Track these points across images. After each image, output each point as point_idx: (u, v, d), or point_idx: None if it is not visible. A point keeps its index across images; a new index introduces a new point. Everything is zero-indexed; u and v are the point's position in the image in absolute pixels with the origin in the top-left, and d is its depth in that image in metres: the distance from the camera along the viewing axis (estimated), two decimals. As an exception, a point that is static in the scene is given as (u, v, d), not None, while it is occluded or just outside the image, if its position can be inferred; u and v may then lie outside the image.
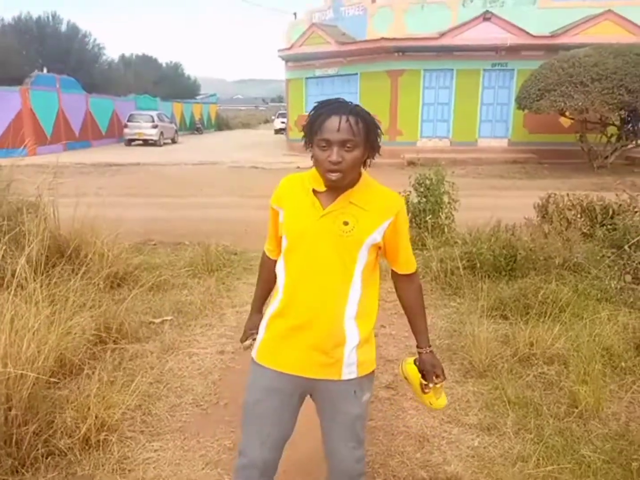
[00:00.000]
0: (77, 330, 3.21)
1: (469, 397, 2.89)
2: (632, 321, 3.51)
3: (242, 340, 1.88)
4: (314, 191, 1.54)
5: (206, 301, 4.17)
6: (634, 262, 4.23)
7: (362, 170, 1.56)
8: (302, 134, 1.53)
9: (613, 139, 14.07)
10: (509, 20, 16.01)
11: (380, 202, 1.55)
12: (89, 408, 2.43)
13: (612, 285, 4.03)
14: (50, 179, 5.32)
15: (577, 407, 2.68)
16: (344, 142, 1.43)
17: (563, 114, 13.88)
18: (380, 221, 1.53)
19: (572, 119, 14.20)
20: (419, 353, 1.71)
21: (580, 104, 12.38)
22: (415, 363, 1.74)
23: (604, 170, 13.76)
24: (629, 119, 13.54)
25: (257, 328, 1.70)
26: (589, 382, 2.75)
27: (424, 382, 1.71)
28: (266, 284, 1.81)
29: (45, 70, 20.28)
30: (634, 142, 13.99)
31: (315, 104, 1.52)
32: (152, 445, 2.50)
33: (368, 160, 1.54)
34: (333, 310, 1.53)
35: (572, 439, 2.48)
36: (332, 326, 1.53)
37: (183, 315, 3.98)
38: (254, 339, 1.70)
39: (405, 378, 1.80)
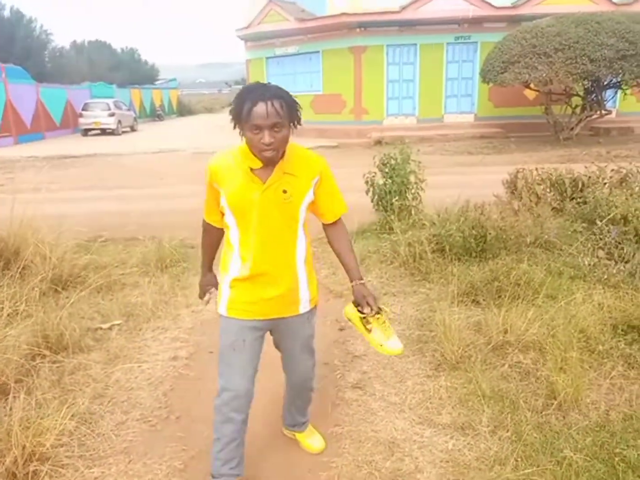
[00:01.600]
0: (10, 344, 2.88)
1: (441, 393, 2.68)
2: (606, 300, 3.36)
3: (201, 297, 2.20)
4: (251, 169, 1.76)
5: (159, 302, 3.86)
6: (606, 237, 4.09)
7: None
8: (231, 118, 1.71)
9: (578, 110, 14.10)
10: (470, -8, 15.77)
11: (306, 167, 1.82)
12: (14, 437, 2.12)
13: (586, 262, 3.89)
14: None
15: (555, 399, 2.50)
16: (273, 125, 1.64)
17: (528, 86, 13.82)
18: (310, 183, 1.82)
19: (537, 90, 14.16)
20: (352, 287, 1.91)
21: (544, 75, 12.30)
22: (355, 305, 1.86)
23: (570, 142, 13.81)
24: (593, 89, 13.56)
25: (213, 285, 2.15)
26: (566, 371, 2.58)
27: (362, 315, 1.82)
28: (213, 249, 2.10)
29: (-11, 59, 19.11)
30: (598, 113, 14.04)
31: (239, 92, 1.70)
32: (92, 472, 2.22)
33: (292, 130, 1.74)
34: (288, 262, 1.87)
35: (552, 435, 2.30)
36: (290, 275, 1.88)
37: (134, 318, 3.65)
38: (212, 295, 2.00)
39: (349, 320, 1.93)
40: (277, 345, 2.10)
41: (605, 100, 14.00)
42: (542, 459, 2.17)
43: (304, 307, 1.96)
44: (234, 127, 1.72)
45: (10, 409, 2.37)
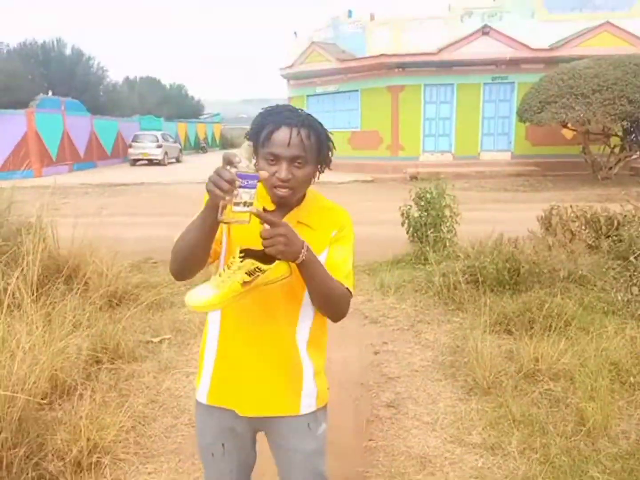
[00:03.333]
0: (73, 350, 3.17)
1: (472, 415, 2.80)
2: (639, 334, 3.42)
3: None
4: (264, 209, 1.35)
5: (205, 319, 4.11)
6: (640, 273, 4.15)
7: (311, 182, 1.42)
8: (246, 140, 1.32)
9: (617, 150, 14.03)
10: (507, 34, 16.12)
11: (327, 219, 1.42)
12: (80, 430, 2.37)
13: (619, 297, 3.95)
14: (52, 199, 5.33)
15: (584, 425, 2.59)
16: (294, 158, 1.28)
17: (565, 126, 13.88)
18: (327, 239, 1.39)
19: (574, 130, 14.19)
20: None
21: (581, 115, 12.37)
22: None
23: (609, 181, 13.69)
24: (632, 129, 13.51)
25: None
26: (596, 399, 2.66)
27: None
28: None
29: (50, 94, 20.55)
30: (638, 153, 13.93)
31: (262, 110, 1.35)
32: (146, 468, 2.43)
33: (317, 174, 1.39)
34: (284, 335, 1.38)
35: (580, 459, 2.39)
36: (285, 353, 1.39)
37: (182, 333, 3.92)
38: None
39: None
40: (272, 453, 1.54)
41: (646, 141, 13.90)
42: (570, 480, 2.26)
43: (307, 405, 1.43)
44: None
45: (77, 405, 2.63)
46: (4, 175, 11.65)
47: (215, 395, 1.43)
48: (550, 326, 3.45)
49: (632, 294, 4.01)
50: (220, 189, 1.10)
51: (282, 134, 1.27)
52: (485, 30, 16.20)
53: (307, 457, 1.46)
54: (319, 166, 1.37)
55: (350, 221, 1.45)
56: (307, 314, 1.40)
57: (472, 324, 3.85)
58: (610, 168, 14.00)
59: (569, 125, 13.62)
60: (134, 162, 22.76)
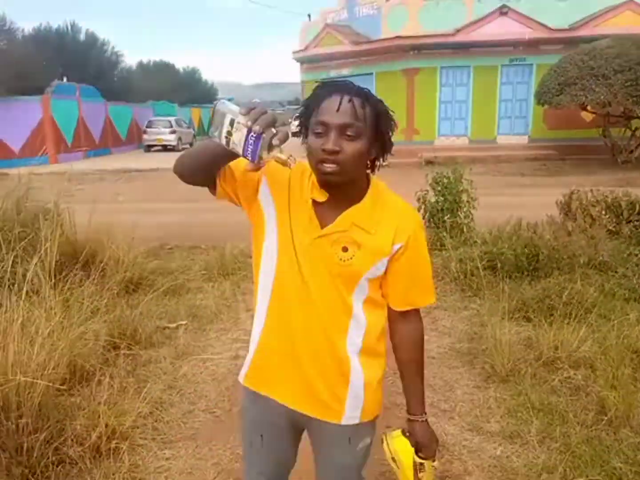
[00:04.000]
0: (90, 336, 3.19)
1: (490, 403, 2.78)
2: (662, 322, 3.34)
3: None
4: (313, 202, 1.22)
5: (221, 305, 4.13)
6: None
7: (372, 175, 1.27)
8: (298, 124, 1.22)
9: (638, 133, 13.68)
10: (526, 14, 15.72)
11: (391, 224, 1.22)
12: (99, 416, 2.39)
13: (640, 284, 3.86)
14: (68, 185, 5.36)
15: (605, 415, 2.54)
16: (344, 126, 1.12)
17: (584, 109, 13.56)
18: (388, 249, 1.22)
19: (594, 113, 13.86)
20: (412, 421, 1.33)
21: (602, 97, 12.06)
22: (404, 435, 1.34)
23: (629, 165, 13.39)
24: (654, 111, 13.14)
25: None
26: (618, 388, 2.61)
27: (419, 460, 1.31)
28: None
29: (65, 80, 20.63)
30: (659, 136, 13.58)
31: (317, 84, 1.23)
32: (164, 453, 2.45)
33: (377, 162, 1.23)
34: (332, 340, 1.25)
35: (601, 449, 2.35)
36: (332, 359, 1.26)
37: (198, 319, 3.94)
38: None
39: (392, 459, 1.37)
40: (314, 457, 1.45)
41: (668, 123, 13.53)
42: (592, 470, 2.22)
43: (349, 417, 1.30)
44: (299, 133, 1.23)
45: (95, 391, 2.66)
46: (21, 162, 11.77)
47: (252, 377, 1.36)
48: (570, 313, 3.38)
49: (654, 280, 3.92)
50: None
51: (332, 101, 1.13)
52: (503, 11, 15.81)
53: (341, 470, 1.38)
54: (379, 150, 1.21)
55: (420, 224, 1.28)
56: (359, 323, 1.27)
57: (490, 310, 3.80)
58: (632, 151, 13.68)
59: (589, 107, 13.29)
60: (149, 148, 22.82)
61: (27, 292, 2.80)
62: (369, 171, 1.25)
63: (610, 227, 5.23)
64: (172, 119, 23.11)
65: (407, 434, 1.33)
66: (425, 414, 1.34)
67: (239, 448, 2.49)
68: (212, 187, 1.28)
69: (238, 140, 1.04)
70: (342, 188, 1.19)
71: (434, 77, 16.91)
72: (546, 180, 11.80)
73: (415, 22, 16.71)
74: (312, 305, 1.23)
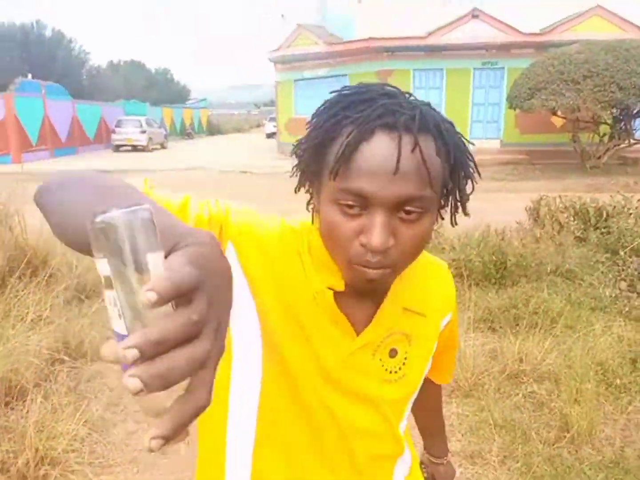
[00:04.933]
0: (31, 348, 2.97)
1: (452, 420, 2.66)
2: (627, 333, 3.29)
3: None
4: (331, 289, 0.71)
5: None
6: (629, 268, 4.02)
7: None
8: (297, 159, 0.71)
9: (606, 139, 13.92)
10: (497, 18, 15.87)
11: (438, 298, 0.83)
12: (27, 439, 2.18)
13: (607, 293, 3.82)
14: (28, 186, 5.08)
15: (568, 431, 2.46)
16: (404, 201, 0.62)
17: (555, 113, 13.72)
18: (438, 330, 0.83)
19: (564, 118, 14.04)
20: (436, 464, 1.13)
21: (571, 102, 12.21)
22: (421, 468, 1.11)
23: (598, 170, 13.59)
24: (622, 117, 13.39)
25: None
26: (581, 403, 2.53)
27: None
28: None
29: (30, 77, 20.00)
30: (627, 141, 13.84)
31: (329, 101, 0.67)
32: (100, 479, 2.26)
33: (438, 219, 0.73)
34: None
35: (563, 469, 2.26)
36: None
37: (151, 330, 3.73)
38: None
39: None
40: None
41: (635, 130, 13.79)
42: (553, 492, 2.12)
43: None
44: (299, 188, 0.73)
45: (27, 411, 2.44)
46: (-20, 160, 11.29)
47: None
48: (536, 324, 3.31)
49: (620, 289, 3.88)
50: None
51: (381, 149, 0.60)
52: (474, 14, 15.92)
53: None
54: (447, 204, 0.70)
55: (455, 287, 0.89)
56: (405, 459, 0.87)
57: (455, 320, 3.70)
58: (599, 157, 13.90)
59: (559, 112, 13.46)
60: (117, 148, 22.29)
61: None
62: None
63: (578, 234, 5.22)
64: (142, 118, 22.63)
65: (425, 471, 1.16)
66: (448, 454, 1.15)
67: (182, 473, 2.31)
68: None
69: (110, 314, 0.36)
70: None
71: (407, 80, 16.92)
72: (516, 185, 11.88)
73: (387, 24, 16.69)
74: (347, 466, 0.77)
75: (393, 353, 0.76)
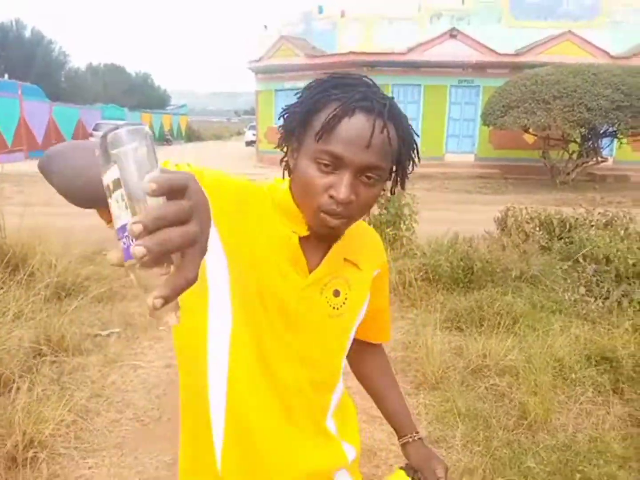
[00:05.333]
0: (13, 342, 3.04)
1: (419, 409, 2.84)
2: (584, 333, 3.53)
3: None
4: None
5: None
6: (587, 274, 4.29)
7: None
8: (281, 131, 0.87)
9: (574, 156, 14.49)
10: (474, 38, 16.44)
11: (371, 253, 1.01)
12: (15, 424, 2.27)
13: (566, 297, 4.07)
14: (3, 187, 5.14)
15: (526, 419, 2.66)
16: (366, 168, 0.79)
17: (527, 131, 14.24)
18: (369, 281, 0.99)
19: (535, 135, 14.58)
20: (405, 443, 1.12)
21: (542, 120, 12.72)
22: (407, 472, 1.08)
23: (566, 186, 14.13)
24: (590, 136, 13.98)
25: None
26: (538, 394, 2.74)
27: None
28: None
29: (6, 77, 19.76)
30: (594, 159, 14.43)
31: (317, 81, 0.85)
32: (87, 462, 2.36)
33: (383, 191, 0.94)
34: (315, 423, 0.96)
35: (520, 451, 2.45)
36: (317, 445, 0.96)
37: (132, 327, 3.82)
38: None
39: None
40: None
41: (602, 148, 14.41)
42: (509, 471, 2.31)
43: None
44: (281, 145, 0.88)
45: (14, 399, 2.53)
46: (-46, 160, 11.12)
47: None
48: (499, 324, 3.53)
49: (579, 293, 4.14)
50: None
51: (358, 125, 0.77)
52: (452, 33, 16.46)
53: None
54: (395, 180, 0.89)
55: (384, 248, 1.08)
56: (339, 391, 1.00)
57: (424, 320, 3.90)
58: (568, 173, 14.45)
59: (531, 130, 13.98)
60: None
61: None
62: None
63: (543, 243, 5.50)
64: (120, 123, 22.50)
65: (408, 469, 1.09)
66: (418, 432, 1.12)
67: (165, 456, 2.43)
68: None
69: (116, 214, 0.46)
70: None
71: (386, 94, 17.34)
72: (489, 198, 12.27)
73: (369, 39, 17.13)
74: (296, 392, 0.91)
75: (336, 293, 0.92)
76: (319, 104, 0.80)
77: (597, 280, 4.26)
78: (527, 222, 5.59)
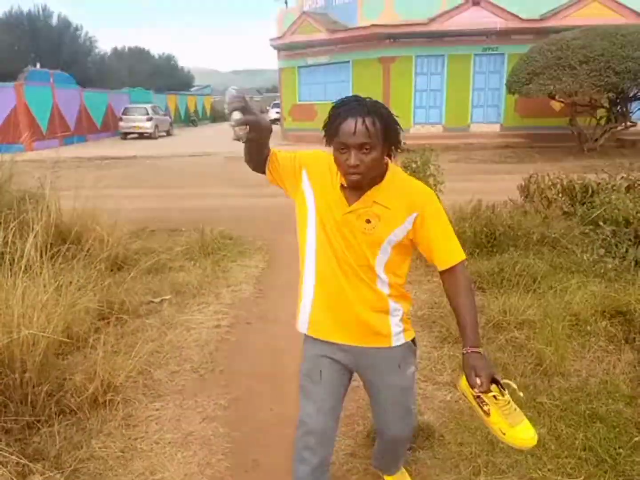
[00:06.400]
0: (81, 307, 3.45)
1: (444, 360, 3.14)
2: (600, 290, 3.74)
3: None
4: (342, 185, 1.57)
5: (203, 281, 4.41)
6: (607, 236, 4.46)
7: (390, 161, 1.60)
8: (323, 133, 1.55)
9: (602, 122, 14.26)
10: (498, 4, 16.12)
11: (404, 199, 1.56)
12: (95, 371, 2.67)
13: (585, 258, 4.27)
14: (49, 172, 5.57)
15: (542, 366, 2.92)
16: (361, 145, 1.45)
17: (553, 98, 14.06)
18: (403, 219, 1.55)
19: (562, 102, 14.37)
20: (464, 354, 1.53)
21: (568, 87, 12.55)
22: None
23: (594, 153, 13.95)
24: (618, 101, 13.72)
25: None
26: (553, 343, 2.99)
27: (473, 392, 1.46)
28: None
29: (38, 65, 20.36)
30: (623, 124, 14.18)
31: (334, 104, 1.53)
32: (154, 405, 2.75)
33: (392, 154, 1.56)
34: (373, 288, 1.61)
35: (535, 392, 2.73)
36: (375, 301, 1.62)
37: (181, 295, 4.21)
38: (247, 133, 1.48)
39: (464, 395, 1.57)
40: (366, 390, 1.84)
41: (631, 113, 14.14)
42: (524, 408, 2.59)
43: (396, 340, 1.66)
44: (326, 144, 1.56)
45: (89, 353, 2.94)
46: (-3, 148, 11.72)
47: (314, 329, 1.70)
48: (518, 283, 3.76)
49: (598, 255, 4.33)
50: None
51: (349, 125, 1.44)
52: (475, 0, 16.17)
53: (399, 392, 1.74)
54: (392, 147, 1.53)
55: (432, 197, 1.60)
56: (382, 278, 1.61)
57: (449, 282, 4.16)
58: (596, 139, 14.25)
59: (557, 97, 13.79)
60: (125, 136, 22.71)
61: (20, 268, 3.04)
62: (386, 159, 1.58)
63: (565, 209, 5.65)
64: (148, 106, 23.00)
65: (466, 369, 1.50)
66: (477, 347, 1.53)
67: (221, 399, 2.81)
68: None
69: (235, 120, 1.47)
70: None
71: (409, 66, 17.24)
72: (515, 167, 12.25)
73: (390, 11, 16.97)
74: (348, 266, 1.60)
75: (368, 221, 1.57)
76: (333, 118, 1.50)
77: (616, 241, 4.44)
78: (549, 189, 5.74)
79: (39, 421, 2.44)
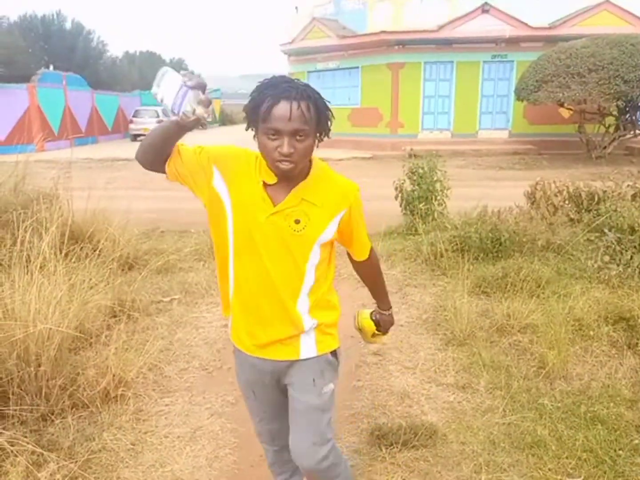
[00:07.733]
0: (93, 305, 3.53)
1: (448, 361, 3.19)
2: (604, 296, 3.78)
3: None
4: (264, 183, 1.42)
5: (212, 282, 4.49)
6: (611, 243, 4.49)
7: (313, 156, 1.47)
8: (245, 113, 1.39)
9: (611, 129, 14.25)
10: (507, 12, 16.17)
11: (333, 196, 1.46)
12: (107, 367, 2.75)
13: (589, 264, 4.30)
14: (61, 172, 5.68)
15: (545, 369, 2.97)
16: (295, 131, 1.31)
17: (562, 105, 14.07)
18: (333, 216, 1.47)
19: (570, 109, 14.39)
20: (381, 314, 1.82)
21: (577, 94, 12.58)
22: (371, 317, 1.87)
23: (603, 160, 13.93)
24: (627, 109, 13.72)
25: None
26: (556, 347, 3.04)
27: (377, 333, 1.90)
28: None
29: (51, 68, 20.65)
30: (632, 132, 14.16)
31: (259, 83, 1.36)
32: (164, 401, 2.83)
33: (316, 143, 1.43)
34: (286, 305, 1.49)
35: (537, 395, 2.78)
36: (287, 318, 1.51)
37: (190, 294, 4.29)
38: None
39: (359, 329, 1.92)
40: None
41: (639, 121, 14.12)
42: (527, 411, 2.65)
43: (306, 351, 1.55)
44: (247, 128, 1.42)
45: (100, 349, 3.02)
46: (8, 149, 11.92)
47: (234, 336, 1.62)
48: (523, 288, 3.81)
49: (602, 261, 4.36)
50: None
51: (283, 109, 1.28)
52: (485, 8, 16.24)
53: (308, 411, 1.55)
54: (319, 135, 1.40)
55: (358, 192, 1.53)
56: (310, 278, 1.50)
57: (454, 287, 4.21)
58: (605, 147, 14.24)
59: (566, 104, 13.81)
60: (135, 138, 22.88)
61: (39, 266, 3.13)
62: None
63: (572, 216, 5.68)
64: (159, 108, 23.18)
65: (374, 317, 1.87)
66: (391, 308, 1.83)
67: (229, 396, 2.87)
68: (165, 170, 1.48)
69: (171, 93, 1.26)
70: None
71: (418, 72, 17.32)
72: (522, 174, 12.28)
73: (400, 18, 17.08)
74: (267, 276, 1.46)
75: (297, 221, 1.43)
76: (260, 100, 1.33)
77: (620, 249, 4.47)
78: (556, 195, 5.77)
79: (52, 413, 2.52)
